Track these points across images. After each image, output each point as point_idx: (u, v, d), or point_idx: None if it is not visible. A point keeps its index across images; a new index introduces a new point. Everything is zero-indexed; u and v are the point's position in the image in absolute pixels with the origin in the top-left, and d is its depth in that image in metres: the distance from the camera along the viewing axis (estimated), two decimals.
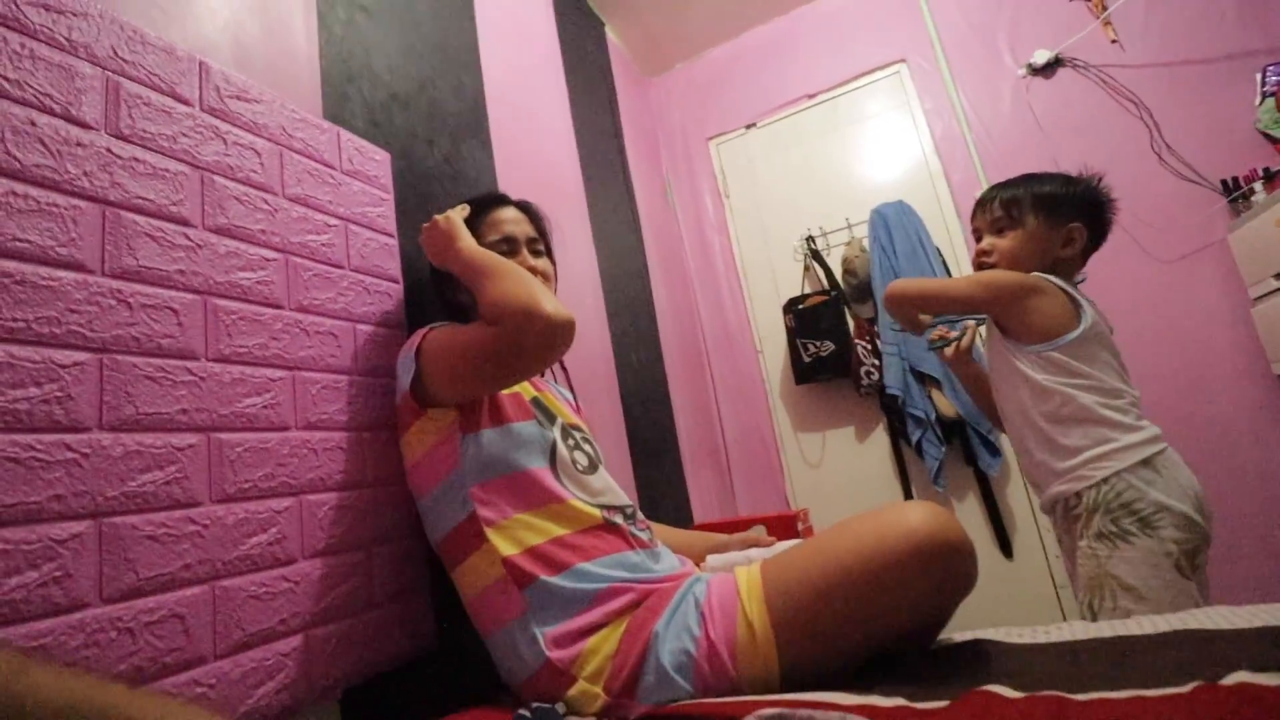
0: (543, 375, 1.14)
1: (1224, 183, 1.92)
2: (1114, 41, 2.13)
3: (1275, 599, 0.78)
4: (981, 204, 1.26)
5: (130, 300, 0.69)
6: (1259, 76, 1.93)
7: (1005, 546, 2.05)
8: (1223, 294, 1.91)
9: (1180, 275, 1.97)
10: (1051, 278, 1.12)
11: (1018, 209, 1.18)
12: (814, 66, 2.58)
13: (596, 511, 0.87)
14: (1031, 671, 0.61)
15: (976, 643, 0.74)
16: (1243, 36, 1.98)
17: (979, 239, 1.25)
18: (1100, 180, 1.20)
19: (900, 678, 0.64)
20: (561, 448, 0.92)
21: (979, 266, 1.23)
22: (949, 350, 1.35)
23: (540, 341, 0.81)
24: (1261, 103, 1.91)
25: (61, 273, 0.64)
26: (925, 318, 1.31)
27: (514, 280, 0.85)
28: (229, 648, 0.70)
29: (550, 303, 0.81)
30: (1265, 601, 0.74)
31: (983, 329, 1.28)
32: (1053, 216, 1.16)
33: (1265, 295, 1.73)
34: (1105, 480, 1.01)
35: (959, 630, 0.86)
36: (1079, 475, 1.04)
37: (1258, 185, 1.82)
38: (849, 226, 2.42)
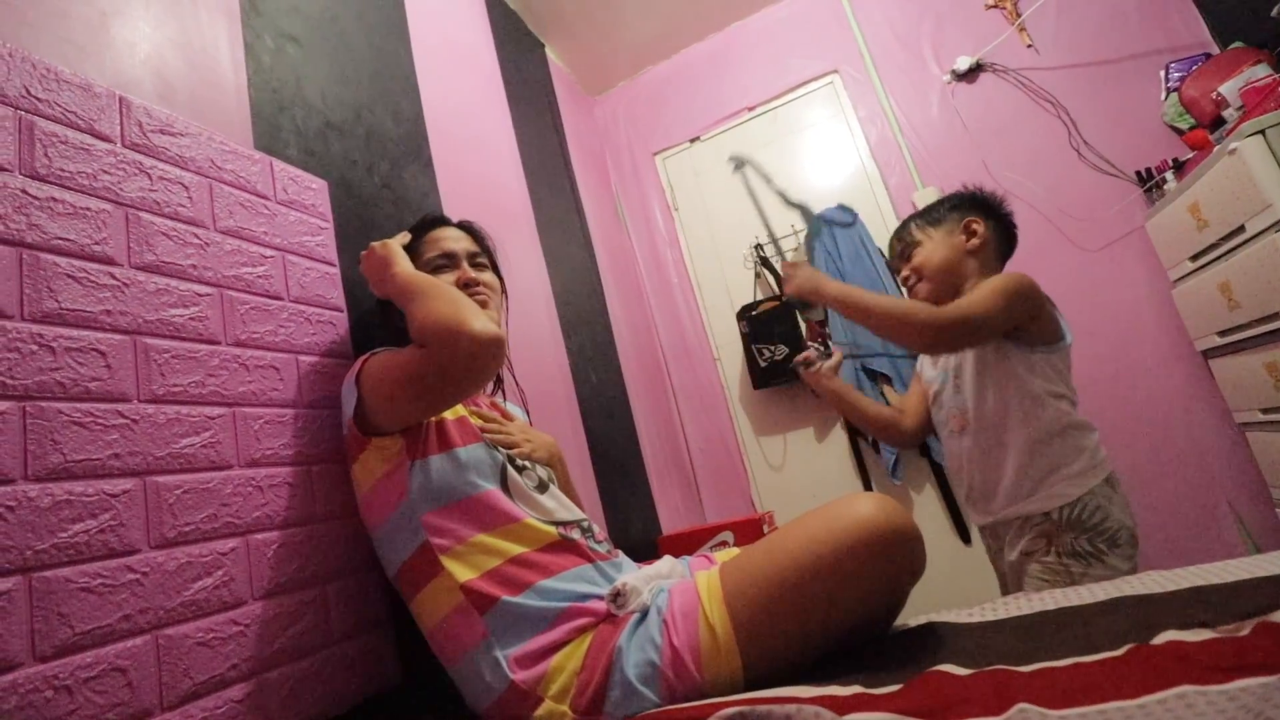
0: (494, 394, 1.14)
1: (1139, 174, 2.04)
2: (1029, 46, 2.25)
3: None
4: (890, 249, 1.35)
5: (53, 344, 0.67)
6: (1162, 74, 2.06)
7: (963, 533, 2.11)
8: (1145, 278, 2.02)
9: (1105, 263, 2.08)
10: (1026, 276, 1.12)
11: (910, 235, 1.27)
12: (752, 80, 2.65)
13: (552, 529, 0.87)
14: (980, 648, 0.63)
15: (929, 626, 0.76)
16: (1146, 37, 2.11)
17: (900, 273, 1.32)
18: (979, 189, 1.29)
19: (858, 666, 0.66)
20: (511, 469, 0.91)
21: (910, 291, 1.29)
22: (810, 371, 1.38)
23: (467, 361, 0.79)
24: (1166, 97, 2.04)
25: None
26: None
27: (442, 301, 0.83)
28: (177, 698, 0.67)
29: (477, 321, 0.79)
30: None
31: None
32: (942, 223, 1.24)
33: (1183, 277, 1.84)
34: (1079, 499, 1.01)
35: (919, 616, 0.88)
36: (1053, 494, 1.04)
37: (1169, 175, 1.94)
38: (795, 233, 2.48)
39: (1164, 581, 0.71)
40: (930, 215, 1.26)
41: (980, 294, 1.07)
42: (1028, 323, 1.10)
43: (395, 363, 0.85)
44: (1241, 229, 1.50)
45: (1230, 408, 1.82)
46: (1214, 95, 1.80)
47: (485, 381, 0.86)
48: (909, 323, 1.06)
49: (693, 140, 2.74)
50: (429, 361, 0.81)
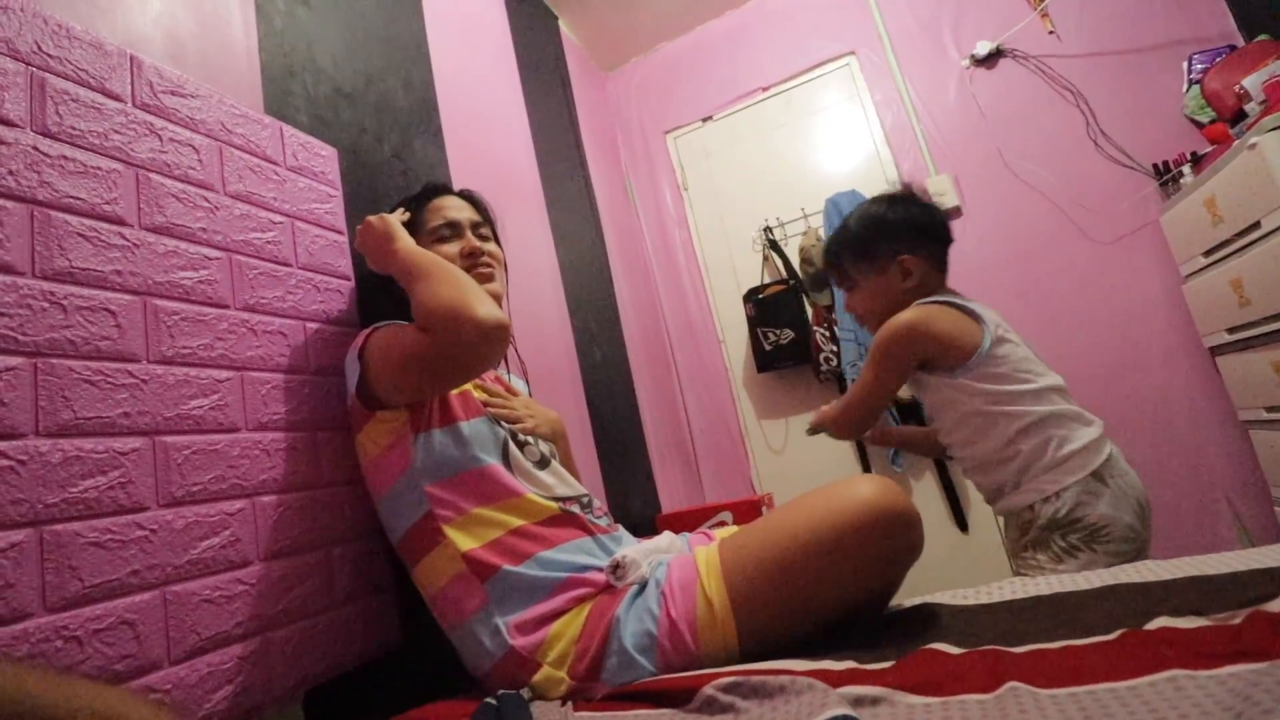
0: (497, 368, 1.14)
1: (1155, 166, 2.01)
2: (1051, 32, 2.21)
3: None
4: (824, 261, 1.32)
5: (64, 302, 0.67)
6: (1185, 65, 2.02)
7: (961, 521, 2.13)
8: (1156, 273, 2.01)
9: (1117, 256, 2.06)
10: (934, 299, 1.12)
11: (842, 269, 1.23)
12: (767, 59, 2.61)
13: (553, 504, 0.88)
14: (974, 629, 0.64)
15: (924, 606, 0.77)
16: (1170, 27, 2.07)
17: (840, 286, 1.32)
18: (909, 187, 1.24)
19: (851, 643, 0.66)
20: (513, 444, 0.92)
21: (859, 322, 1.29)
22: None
23: (471, 347, 0.78)
24: (1188, 90, 2.00)
25: None
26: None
27: (446, 283, 0.82)
28: (184, 653, 0.69)
29: (482, 306, 0.78)
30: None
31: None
32: (874, 261, 1.18)
33: (1195, 272, 1.82)
34: (1058, 494, 1.00)
35: (914, 598, 0.89)
36: (1032, 488, 1.03)
37: (1186, 168, 1.91)
38: (805, 216, 2.46)
39: (1160, 570, 0.72)
40: (863, 248, 1.20)
41: (863, 374, 1.16)
42: (931, 359, 1.10)
43: (399, 343, 0.84)
44: (1257, 225, 1.48)
45: (1235, 405, 1.82)
46: (1237, 89, 1.77)
47: (489, 366, 0.86)
48: (834, 432, 1.25)
49: (705, 119, 2.71)
50: (432, 346, 0.80)
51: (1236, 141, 1.57)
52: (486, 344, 0.79)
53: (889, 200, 1.21)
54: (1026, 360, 1.08)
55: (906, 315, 1.09)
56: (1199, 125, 1.98)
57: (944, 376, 1.09)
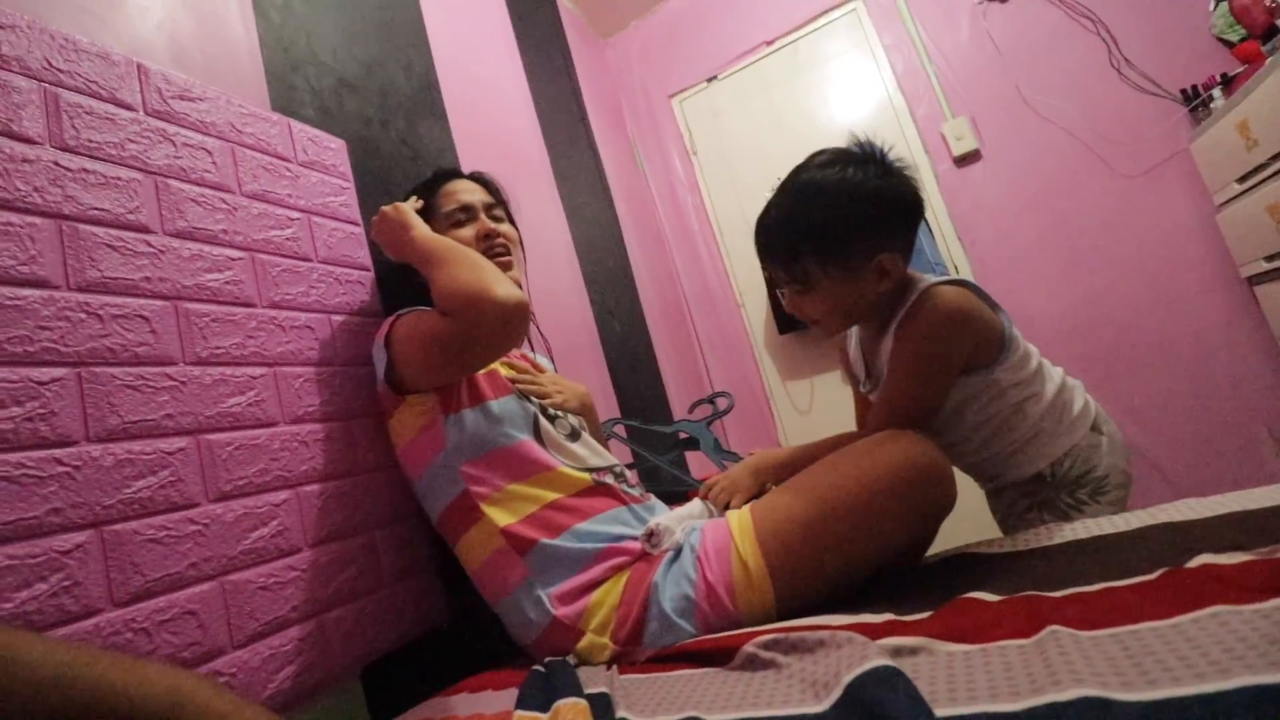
0: (520, 346, 1.15)
1: (1183, 92, 1.93)
2: None
3: None
4: (761, 251, 1.03)
5: (100, 312, 0.69)
6: None
7: None
8: (1188, 204, 1.94)
9: (1146, 189, 1.99)
10: (946, 280, 0.93)
11: (801, 270, 0.94)
12: (769, 11, 2.53)
13: (586, 475, 0.89)
14: (1011, 576, 0.64)
15: (959, 557, 0.78)
16: None
17: (779, 285, 1.03)
18: (884, 152, 0.94)
19: (889, 596, 0.67)
20: (543, 419, 0.93)
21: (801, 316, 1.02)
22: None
23: (493, 329, 0.80)
24: (1215, 7, 1.90)
25: (26, 291, 0.64)
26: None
27: (465, 266, 0.83)
28: (245, 638, 0.72)
29: (501, 287, 0.79)
30: None
31: None
32: (846, 264, 0.91)
33: (1229, 200, 1.76)
34: (1066, 454, 0.94)
35: (948, 548, 0.89)
36: (1042, 455, 0.95)
37: (1216, 92, 1.83)
38: None
39: (1199, 508, 0.71)
40: (829, 246, 0.91)
41: (908, 378, 0.89)
42: (971, 355, 0.91)
43: (423, 329, 0.86)
44: None
45: (1275, 335, 1.77)
46: (1268, 3, 1.68)
47: (513, 346, 0.87)
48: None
49: (710, 80, 2.65)
50: (455, 330, 0.81)
51: (1270, 59, 1.50)
52: (508, 325, 0.80)
53: (858, 164, 0.92)
54: (1022, 340, 0.97)
55: (949, 299, 0.87)
56: (1228, 45, 1.89)
57: (979, 375, 0.92)
